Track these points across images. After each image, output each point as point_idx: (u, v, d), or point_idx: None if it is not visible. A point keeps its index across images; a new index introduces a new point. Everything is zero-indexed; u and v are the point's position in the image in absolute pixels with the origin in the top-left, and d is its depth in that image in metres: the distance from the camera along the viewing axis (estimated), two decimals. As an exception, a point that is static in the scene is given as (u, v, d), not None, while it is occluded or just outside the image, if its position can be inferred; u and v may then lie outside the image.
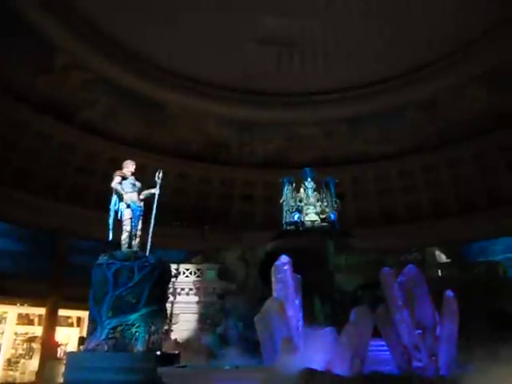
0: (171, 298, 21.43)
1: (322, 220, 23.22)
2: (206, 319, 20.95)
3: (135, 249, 14.40)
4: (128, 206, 14.57)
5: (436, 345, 12.72)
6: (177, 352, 14.58)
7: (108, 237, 14.27)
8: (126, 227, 14.47)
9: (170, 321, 21.24)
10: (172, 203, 30.75)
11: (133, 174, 15.21)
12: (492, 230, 28.83)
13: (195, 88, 31.78)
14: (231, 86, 32.08)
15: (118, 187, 14.74)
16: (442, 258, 21.67)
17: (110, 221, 14.47)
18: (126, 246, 14.33)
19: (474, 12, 25.62)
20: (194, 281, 21.86)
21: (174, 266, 21.70)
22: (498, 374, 10.46)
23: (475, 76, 28.72)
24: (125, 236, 14.42)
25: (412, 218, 32.11)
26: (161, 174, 15.48)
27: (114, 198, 14.80)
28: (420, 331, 12.77)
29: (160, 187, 15.36)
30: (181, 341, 20.06)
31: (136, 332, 12.91)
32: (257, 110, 32.69)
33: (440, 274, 19.79)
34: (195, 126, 33.47)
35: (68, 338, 27.44)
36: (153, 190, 15.30)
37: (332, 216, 23.30)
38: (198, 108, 32.65)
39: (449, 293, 13.49)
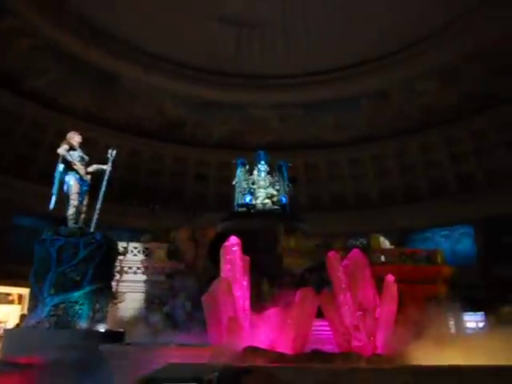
0: (118, 277, 21.07)
1: (274, 203, 23.46)
2: (153, 298, 20.79)
3: (81, 225, 13.93)
4: (75, 180, 13.93)
5: (375, 326, 13.35)
6: (122, 330, 14.40)
7: (50, 205, 13.56)
8: (74, 202, 13.84)
9: (117, 299, 20.91)
10: (123, 180, 30.06)
11: (81, 146, 14.52)
12: (434, 219, 30.26)
13: (152, 63, 30.93)
14: (189, 64, 31.47)
15: (67, 155, 13.93)
16: (387, 244, 22.55)
17: (54, 190, 13.72)
18: (73, 221, 13.81)
19: (430, 8, 26.33)
20: (142, 260, 21.55)
21: (121, 244, 21.30)
22: (428, 351, 11.14)
23: (425, 70, 29.70)
24: (72, 211, 13.83)
25: (361, 205, 33.13)
26: (114, 152, 14.94)
27: (61, 166, 13.96)
28: (361, 313, 13.34)
29: (112, 164, 14.82)
30: (127, 319, 19.85)
31: (79, 310, 12.61)
32: (214, 90, 32.32)
33: (383, 259, 20.60)
34: (150, 102, 32.66)
35: (8, 315, 26.42)
36: (104, 167, 14.70)
37: (283, 199, 23.59)
38: (154, 84, 31.84)
39: (389, 277, 14.14)
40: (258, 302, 14.82)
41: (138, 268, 21.44)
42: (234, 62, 31.14)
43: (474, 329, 23.05)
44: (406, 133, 32.01)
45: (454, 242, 30.71)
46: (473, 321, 23.77)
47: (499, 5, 25.13)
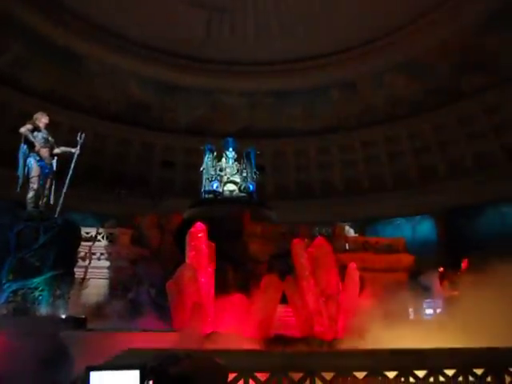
0: (81, 263, 20.68)
1: (241, 190, 23.47)
2: (117, 285, 20.53)
3: (42, 209, 13.52)
4: (35, 162, 13.45)
5: (337, 311, 13.71)
6: (83, 316, 14.17)
7: (17, 188, 13.13)
8: (33, 185, 13.37)
9: (79, 286, 20.54)
10: (87, 164, 29.31)
11: (46, 128, 14.01)
12: (398, 209, 31.07)
13: (119, 45, 30.10)
14: (157, 47, 30.80)
15: (29, 135, 13.41)
16: (351, 232, 23.02)
17: (20, 171, 13.24)
18: (32, 205, 13.36)
19: (398, 2, 26.67)
20: (106, 245, 21.19)
21: (85, 230, 20.87)
22: (387, 336, 11.52)
23: (393, 64, 30.21)
24: (31, 195, 13.37)
25: (327, 194, 33.59)
26: (83, 135, 14.50)
27: (24, 147, 13.47)
28: (324, 299, 13.66)
29: (81, 148, 14.37)
30: (90, 306, 19.55)
31: (39, 296, 12.30)
32: (182, 74, 31.79)
33: (347, 247, 21.05)
34: (116, 84, 31.87)
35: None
36: (72, 150, 14.25)
37: (250, 187, 23.63)
38: (121, 66, 31.05)
39: (352, 265, 14.50)
40: (224, 289, 14.92)
41: (102, 254, 21.09)
42: (204, 47, 30.73)
43: (432, 315, 23.96)
44: (372, 124, 32.57)
45: (416, 231, 31.66)
46: (431, 307, 24.70)
47: (464, 3, 25.75)
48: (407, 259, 21.57)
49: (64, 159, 14.27)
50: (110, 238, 21.65)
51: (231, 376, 6.80)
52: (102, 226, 22.50)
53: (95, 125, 31.13)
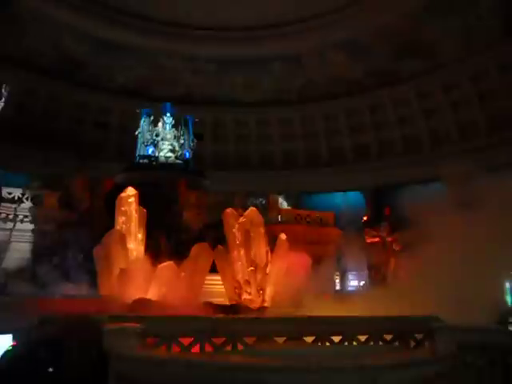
0: (2, 225, 19.60)
1: (177, 157, 23.06)
2: (41, 249, 19.68)
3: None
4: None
5: (265, 281, 14.10)
6: (2, 281, 13.55)
7: None
8: None
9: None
10: (14, 120, 27.38)
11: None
12: (332, 184, 32.07)
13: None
14: (98, 0, 28.83)
15: None
16: (284, 205, 23.52)
17: None
18: None
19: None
20: (31, 207, 20.12)
21: (7, 190, 19.73)
22: (308, 307, 12.07)
23: (336, 42, 30.50)
24: None
25: (264, 166, 33.88)
26: (7, 87, 13.43)
27: None
28: (253, 268, 13.98)
29: (5, 102, 13.34)
30: (11, 270, 18.68)
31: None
32: (121, 32, 29.93)
33: (280, 219, 21.52)
34: (49, 36, 29.60)
35: None
36: None
37: (187, 154, 23.28)
38: (53, 16, 28.71)
39: (282, 236, 14.88)
40: (155, 256, 14.77)
41: (26, 216, 20.04)
42: (145, 5, 29.20)
43: (356, 286, 25.36)
44: (312, 100, 32.98)
45: (348, 207, 32.85)
46: (356, 279, 26.11)
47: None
48: (335, 232, 22.47)
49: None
50: (36, 200, 20.57)
51: (153, 340, 6.85)
52: (27, 187, 21.29)
53: (24, 78, 28.98)
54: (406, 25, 28.13)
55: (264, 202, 21.85)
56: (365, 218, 23.22)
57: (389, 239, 22.50)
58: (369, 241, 22.89)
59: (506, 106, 26.42)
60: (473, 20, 26.62)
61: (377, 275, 21.84)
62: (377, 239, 22.50)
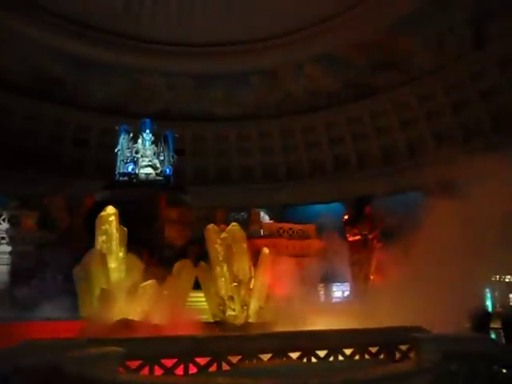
0: (-22, 247, 19.10)
1: (157, 174, 22.89)
2: (20, 271, 19.19)
3: None
4: None
5: (249, 296, 13.99)
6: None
7: None
8: None
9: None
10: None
11: None
12: (312, 196, 32.23)
13: (27, 12, 27.60)
14: (71, 18, 28.66)
15: None
16: (266, 218, 23.51)
17: None
18: None
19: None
20: (8, 229, 19.66)
21: (-17, 211, 19.28)
22: (294, 321, 11.99)
23: (314, 56, 30.97)
24: None
25: (245, 180, 33.93)
26: None
27: None
28: (236, 284, 13.86)
29: None
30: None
31: None
32: (99, 49, 29.90)
33: (262, 233, 21.48)
34: (25, 55, 29.35)
35: None
36: None
37: (167, 170, 23.13)
38: (30, 35, 28.53)
39: (265, 250, 14.83)
40: (135, 275, 14.54)
41: (3, 238, 19.57)
42: (122, 22, 29.22)
43: (340, 298, 25.35)
44: (291, 113, 33.28)
45: (328, 219, 32.98)
46: (340, 290, 26.12)
47: (383, 3, 26.99)
48: (317, 244, 22.50)
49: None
50: (13, 221, 20.11)
51: (136, 363, 6.69)
52: (4, 208, 20.81)
53: (1, 98, 28.60)
54: (382, 38, 28.74)
55: (246, 216, 21.80)
56: (346, 217, 23.32)
57: (370, 237, 22.60)
58: (350, 239, 22.95)
59: (480, 115, 27.13)
60: (446, 32, 27.38)
61: (360, 273, 21.88)
62: (358, 237, 22.59)
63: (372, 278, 19.97)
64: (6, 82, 29.18)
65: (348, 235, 22.81)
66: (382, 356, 7.61)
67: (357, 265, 22.14)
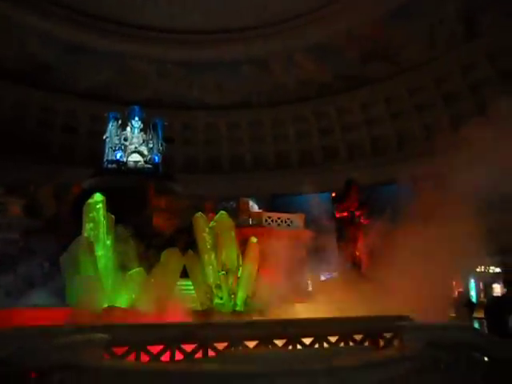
0: (-37, 234, 18.85)
1: (146, 162, 22.70)
2: (5, 258, 18.99)
3: None
4: None
5: (236, 284, 14.04)
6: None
7: None
8: None
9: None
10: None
11: None
12: (301, 185, 32.24)
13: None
14: (62, 3, 28.24)
15: None
16: (255, 207, 23.49)
17: None
18: None
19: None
20: (-7, 215, 19.46)
21: (-33, 197, 19.01)
22: (285, 308, 12.11)
23: (305, 45, 30.86)
24: None
25: (235, 169, 33.89)
26: None
27: None
28: (224, 272, 13.90)
29: None
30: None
31: None
32: (88, 34, 29.52)
33: (250, 222, 21.49)
34: (13, 39, 28.81)
35: None
36: None
37: (156, 158, 22.95)
38: (17, 19, 28.03)
39: (253, 239, 14.86)
40: (124, 262, 14.50)
41: (-12, 224, 19.35)
42: (112, 7, 28.77)
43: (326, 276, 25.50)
44: (282, 103, 33.21)
45: (317, 208, 33.06)
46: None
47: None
48: (306, 234, 22.55)
49: None
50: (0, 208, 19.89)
51: (122, 350, 6.69)
52: (-10, 195, 20.54)
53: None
54: (373, 29, 28.69)
55: (235, 205, 21.76)
56: (333, 194, 23.23)
57: (357, 213, 22.59)
58: (338, 215, 22.90)
59: (468, 108, 27.28)
60: (437, 24, 27.40)
61: (346, 249, 21.68)
62: (345, 213, 22.53)
63: (358, 254, 19.98)
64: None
65: (336, 212, 22.78)
66: (366, 343, 7.71)
67: (343, 241, 22.08)
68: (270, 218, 22.20)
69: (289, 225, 22.32)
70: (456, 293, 19.07)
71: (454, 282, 16.68)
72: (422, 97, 29.36)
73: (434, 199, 11.18)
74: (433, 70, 28.10)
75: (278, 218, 22.24)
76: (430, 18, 27.07)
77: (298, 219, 22.63)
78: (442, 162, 11.03)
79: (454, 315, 14.19)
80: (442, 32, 27.38)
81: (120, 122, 23.18)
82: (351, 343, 7.72)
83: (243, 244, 15.35)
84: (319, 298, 13.63)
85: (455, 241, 10.04)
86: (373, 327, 7.74)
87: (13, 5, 27.21)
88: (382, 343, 7.62)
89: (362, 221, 21.75)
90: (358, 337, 7.70)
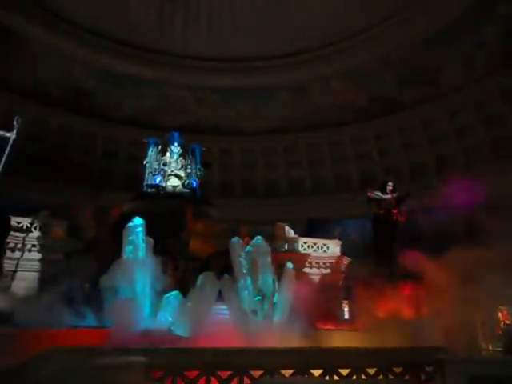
0: (10, 254, 19.67)
1: (184, 186, 23.19)
2: (48, 278, 19.62)
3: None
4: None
5: (272, 310, 13.95)
6: (9, 311, 13.51)
7: None
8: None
9: (9, 278, 19.53)
10: (24, 151, 27.82)
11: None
12: (339, 211, 31.96)
13: (63, 27, 28.79)
14: (105, 34, 29.77)
15: None
16: (291, 233, 23.38)
17: None
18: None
19: (352, 9, 27.36)
20: (39, 237, 20.22)
21: (16, 219, 19.87)
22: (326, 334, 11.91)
23: (341, 71, 31.03)
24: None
25: (271, 194, 33.97)
26: (19, 119, 13.77)
27: None
28: (260, 297, 13.86)
29: (17, 133, 13.65)
30: (17, 300, 18.59)
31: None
32: (130, 64, 30.89)
33: (286, 247, 21.41)
34: (59, 69, 30.45)
35: None
36: (7, 134, 13.50)
37: (194, 183, 23.41)
38: (64, 50, 29.66)
39: (289, 265, 14.80)
40: (162, 285, 14.71)
41: (34, 245, 20.11)
42: (153, 38, 30.06)
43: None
44: (318, 128, 33.28)
45: (354, 234, 32.59)
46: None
47: (413, 18, 26.95)
48: (343, 261, 22.28)
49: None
50: (44, 230, 20.67)
51: (159, 374, 6.76)
52: (36, 217, 21.42)
53: (35, 109, 29.67)
54: (410, 53, 28.59)
55: (270, 230, 21.77)
56: (369, 194, 22.64)
57: (394, 211, 21.97)
58: (375, 211, 22.28)
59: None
60: (476, 47, 27.04)
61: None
62: (382, 211, 21.96)
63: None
64: (39, 95, 30.28)
65: (374, 210, 22.33)
66: (406, 377, 7.47)
67: (379, 239, 21.43)
68: (305, 243, 22.07)
69: (325, 250, 22.09)
70: (502, 324, 18.20)
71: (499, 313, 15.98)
72: (461, 121, 28.79)
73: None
74: (471, 93, 27.59)
75: (314, 244, 22.07)
76: (468, 41, 26.76)
77: (333, 245, 22.38)
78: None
79: (500, 349, 13.54)
80: (480, 55, 26.97)
81: (160, 147, 23.90)
82: (390, 375, 7.50)
83: (279, 269, 15.30)
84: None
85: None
86: (413, 359, 7.50)
87: (57, 35, 28.87)
88: (423, 377, 7.37)
89: (399, 218, 21.33)
90: (397, 369, 7.48)
